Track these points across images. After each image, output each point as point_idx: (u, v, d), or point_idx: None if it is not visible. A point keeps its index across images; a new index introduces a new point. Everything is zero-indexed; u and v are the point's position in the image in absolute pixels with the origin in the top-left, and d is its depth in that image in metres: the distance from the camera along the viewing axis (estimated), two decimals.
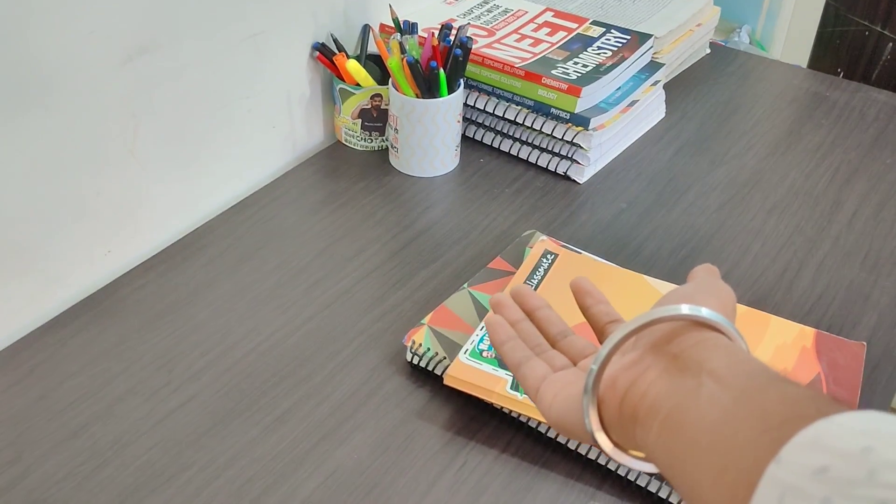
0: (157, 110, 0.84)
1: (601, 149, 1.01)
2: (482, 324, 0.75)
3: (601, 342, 0.53)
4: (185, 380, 0.74)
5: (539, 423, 0.69)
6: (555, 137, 1.00)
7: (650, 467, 0.43)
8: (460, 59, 0.95)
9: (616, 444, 0.44)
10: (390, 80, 0.97)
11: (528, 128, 1.01)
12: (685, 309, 0.42)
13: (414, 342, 0.75)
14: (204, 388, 0.73)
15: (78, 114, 0.77)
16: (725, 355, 0.40)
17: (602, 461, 0.68)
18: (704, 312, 0.42)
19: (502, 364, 0.71)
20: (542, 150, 1.01)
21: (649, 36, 1.08)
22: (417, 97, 0.95)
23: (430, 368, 0.74)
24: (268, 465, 0.67)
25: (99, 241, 0.84)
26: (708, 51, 1.28)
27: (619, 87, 1.03)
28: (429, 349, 0.74)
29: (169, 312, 0.81)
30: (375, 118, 1.02)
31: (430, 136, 0.97)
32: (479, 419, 0.71)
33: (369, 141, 1.04)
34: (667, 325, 0.43)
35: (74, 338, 0.78)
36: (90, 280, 0.84)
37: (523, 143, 1.03)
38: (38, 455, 0.68)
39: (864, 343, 0.76)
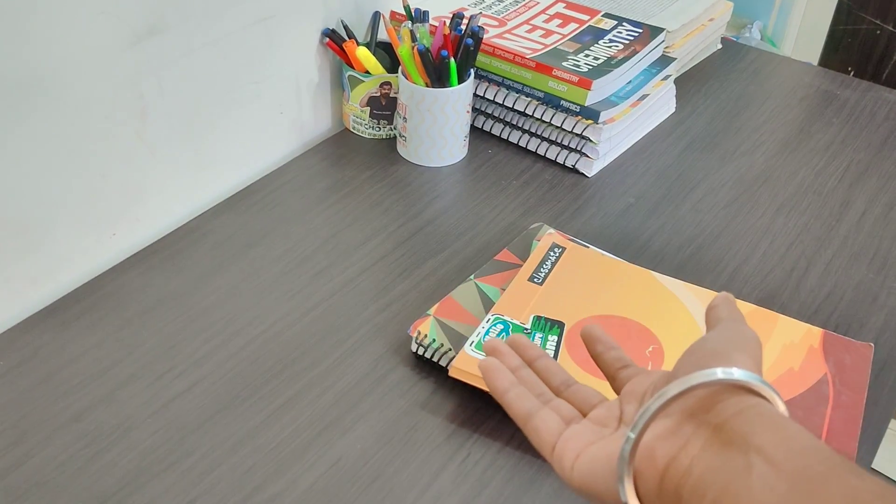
0: (166, 93, 0.83)
1: (610, 142, 1.00)
2: (488, 315, 0.74)
3: (614, 388, 0.50)
4: (189, 366, 0.74)
5: None
6: (564, 130, 0.99)
7: None
8: (471, 48, 0.94)
9: None
10: (400, 68, 0.96)
11: (537, 119, 1.01)
12: (721, 373, 0.40)
13: (419, 333, 0.74)
14: (208, 375, 0.73)
15: (86, 95, 0.76)
16: (772, 428, 0.38)
17: None
18: (740, 375, 0.40)
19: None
20: (551, 142, 1.01)
21: (661, 30, 1.07)
22: (427, 86, 0.95)
23: (434, 359, 0.73)
24: (271, 453, 0.67)
25: (105, 224, 0.83)
26: (719, 46, 1.27)
27: (630, 81, 1.03)
28: (434, 340, 0.74)
29: (173, 297, 0.80)
30: (384, 106, 1.01)
31: (439, 125, 0.96)
32: (483, 411, 0.71)
33: (377, 129, 1.03)
34: (702, 389, 0.41)
35: (78, 321, 0.78)
36: (95, 263, 0.83)
37: (532, 134, 1.02)
38: (41, 438, 0.67)
39: (872, 344, 0.76)
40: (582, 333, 0.54)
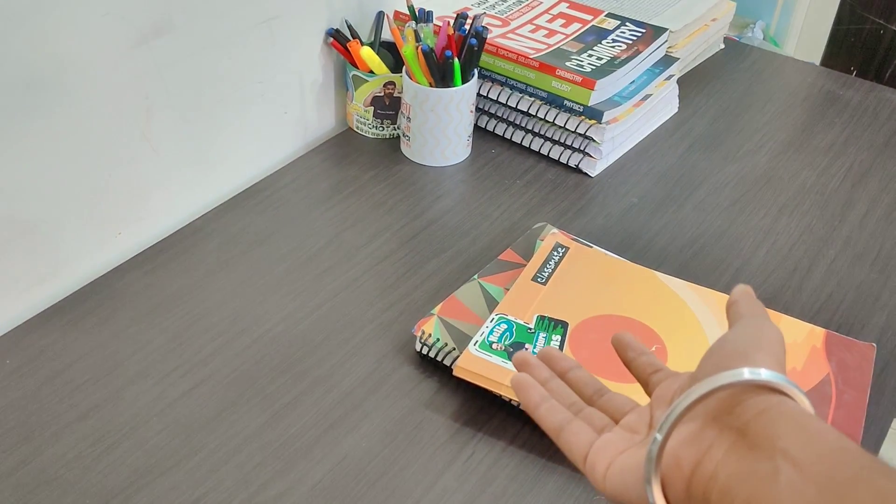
0: (171, 93, 0.83)
1: (614, 142, 1.01)
2: (492, 315, 0.75)
3: (647, 393, 0.50)
4: (195, 364, 0.74)
5: None
6: (567, 130, 0.99)
7: None
8: (475, 48, 0.95)
9: None
10: (404, 68, 0.96)
11: (540, 119, 1.01)
12: (747, 374, 0.40)
13: (423, 332, 0.75)
14: (213, 373, 0.74)
15: (91, 95, 0.76)
16: (797, 428, 0.38)
17: None
18: (766, 375, 0.39)
19: (511, 357, 0.71)
20: (555, 142, 1.01)
21: (664, 30, 1.07)
22: (431, 86, 0.95)
23: (439, 359, 0.74)
24: (276, 451, 0.68)
25: (110, 224, 0.84)
26: (722, 46, 1.27)
27: (633, 81, 1.03)
28: (438, 339, 0.74)
29: (179, 296, 0.81)
30: (388, 106, 1.01)
31: (443, 125, 0.96)
32: (487, 410, 0.72)
33: (381, 129, 1.03)
34: (724, 391, 0.41)
35: (84, 320, 0.78)
36: (101, 262, 0.84)
37: (536, 134, 1.02)
38: (48, 436, 0.68)
39: (874, 344, 0.76)
40: (613, 341, 0.53)
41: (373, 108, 1.01)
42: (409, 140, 1.00)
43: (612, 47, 1.04)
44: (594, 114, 0.97)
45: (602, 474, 0.44)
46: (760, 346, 0.42)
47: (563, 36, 1.05)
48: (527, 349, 0.72)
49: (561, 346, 0.73)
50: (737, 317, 0.47)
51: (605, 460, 0.45)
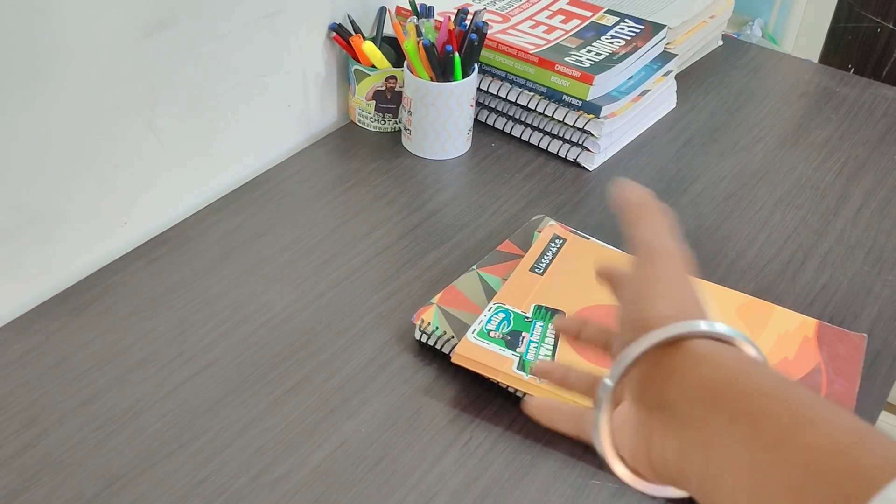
0: (176, 85, 0.85)
1: (611, 137, 1.02)
2: (490, 304, 0.76)
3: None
4: (198, 351, 0.76)
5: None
6: (566, 124, 1.01)
7: (675, 493, 0.41)
8: (475, 43, 0.96)
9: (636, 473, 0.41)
10: (405, 62, 0.98)
11: (539, 114, 1.02)
12: (704, 325, 0.38)
13: (423, 321, 0.76)
14: (216, 360, 0.75)
15: (98, 87, 0.78)
16: (703, 387, 0.36)
17: None
18: (731, 332, 0.38)
19: (509, 344, 0.72)
20: (553, 136, 1.03)
21: (663, 26, 1.08)
22: (432, 80, 0.97)
23: (437, 347, 0.75)
24: (278, 435, 0.69)
25: (116, 213, 0.85)
26: (720, 43, 1.29)
27: (632, 77, 1.04)
28: (437, 328, 0.75)
29: (183, 285, 0.82)
30: (389, 100, 1.03)
31: (444, 119, 0.98)
32: (484, 397, 0.73)
33: (382, 122, 1.05)
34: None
35: (90, 307, 0.80)
36: (106, 251, 0.85)
37: (535, 128, 1.04)
38: (54, 420, 0.69)
39: (865, 335, 0.78)
40: (558, 330, 0.54)
41: (374, 101, 1.03)
42: (410, 133, 1.01)
43: (611, 43, 1.05)
44: (592, 108, 0.98)
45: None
46: (681, 290, 0.42)
47: (563, 32, 1.07)
48: (524, 338, 0.73)
49: (557, 336, 0.74)
50: (640, 245, 0.45)
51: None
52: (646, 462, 0.40)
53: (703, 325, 0.38)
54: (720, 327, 0.39)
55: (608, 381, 0.40)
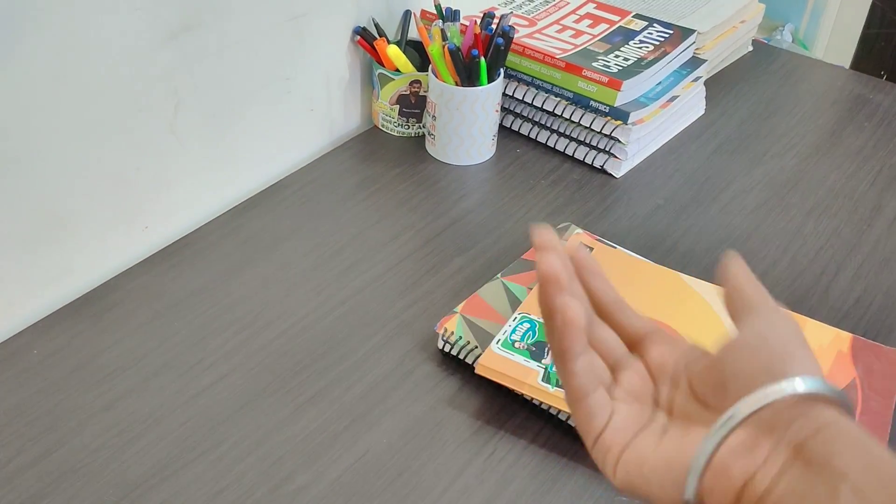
0: (199, 89, 0.84)
1: (639, 143, 1.00)
2: (515, 314, 0.75)
3: (621, 336, 0.46)
4: (219, 357, 0.75)
5: (569, 415, 0.69)
6: (593, 130, 0.99)
7: None
8: (501, 48, 0.95)
9: None
10: (430, 66, 0.97)
11: (566, 120, 1.01)
12: (801, 386, 0.37)
13: (446, 330, 0.75)
14: (237, 367, 0.74)
15: (121, 89, 0.77)
16: (857, 451, 0.36)
17: None
18: (824, 388, 0.38)
19: (534, 355, 0.71)
20: (580, 142, 1.01)
21: (692, 31, 1.07)
22: (457, 85, 0.95)
23: (461, 357, 0.74)
24: (298, 445, 0.68)
25: (137, 217, 0.85)
26: (750, 48, 1.26)
27: (660, 82, 1.02)
28: (461, 338, 0.74)
29: (204, 290, 0.81)
30: (413, 104, 1.02)
31: (468, 124, 0.96)
32: (508, 409, 0.71)
33: (406, 127, 1.04)
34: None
35: (110, 312, 0.79)
36: (127, 255, 0.85)
37: (561, 134, 1.02)
38: (74, 425, 0.69)
39: None
40: (573, 258, 0.47)
41: (398, 106, 1.02)
42: (434, 139, 1.00)
43: (640, 48, 1.03)
44: (620, 115, 0.97)
45: (615, 458, 0.41)
46: (798, 343, 0.40)
47: (590, 36, 1.05)
48: (549, 349, 0.71)
49: None
50: (748, 306, 0.42)
51: (620, 441, 0.41)
52: (736, 485, 0.38)
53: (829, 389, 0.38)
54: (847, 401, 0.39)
55: (704, 453, 0.38)
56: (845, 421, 0.38)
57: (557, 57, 0.99)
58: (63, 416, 0.69)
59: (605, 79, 0.96)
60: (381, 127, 1.05)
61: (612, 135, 0.98)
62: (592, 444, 0.42)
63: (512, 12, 1.09)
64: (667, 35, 1.06)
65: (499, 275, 0.81)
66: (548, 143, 1.03)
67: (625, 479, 0.41)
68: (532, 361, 0.70)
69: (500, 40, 0.94)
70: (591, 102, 0.98)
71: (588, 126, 0.99)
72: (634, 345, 0.46)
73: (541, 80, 1.01)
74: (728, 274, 0.44)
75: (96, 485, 0.65)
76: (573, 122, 1.00)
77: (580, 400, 0.42)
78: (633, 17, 1.10)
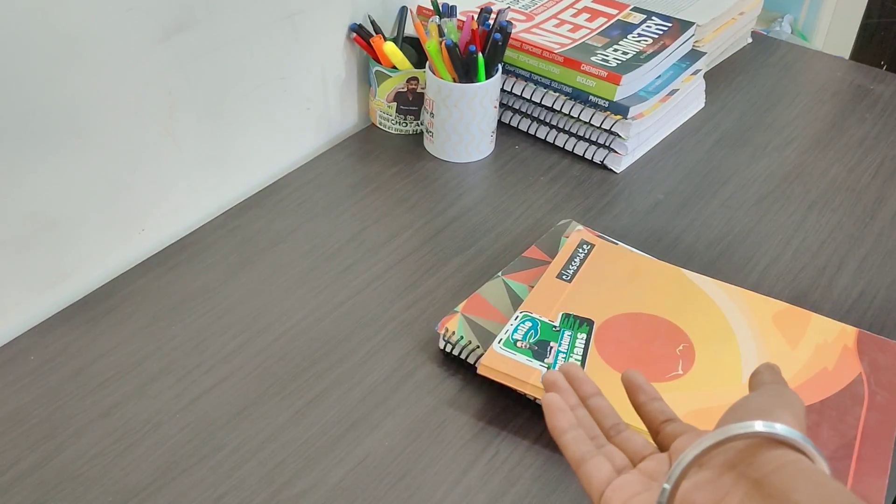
0: (193, 89, 0.83)
1: (639, 138, 0.99)
2: (516, 313, 0.74)
3: (656, 441, 0.50)
4: (218, 361, 0.74)
5: None
6: (592, 125, 0.98)
7: None
8: (499, 43, 0.94)
9: None
10: (427, 63, 0.96)
11: (565, 115, 1.00)
12: (760, 426, 0.40)
13: (447, 330, 0.74)
14: (236, 370, 0.73)
15: (115, 90, 0.76)
16: (812, 486, 0.38)
17: None
18: (781, 430, 0.40)
19: (536, 355, 0.70)
20: (579, 138, 1.00)
21: (691, 24, 1.06)
22: (454, 81, 0.94)
23: (462, 357, 0.73)
24: (299, 449, 0.67)
25: (133, 220, 0.84)
26: (750, 40, 1.26)
27: (660, 76, 1.01)
28: (462, 337, 0.73)
29: (201, 293, 0.81)
30: (411, 102, 1.01)
31: (466, 121, 0.96)
32: (511, 409, 0.71)
33: (404, 125, 1.03)
34: (741, 441, 0.41)
35: (107, 316, 0.78)
36: (124, 259, 0.84)
37: (560, 130, 1.01)
38: (71, 432, 0.68)
39: None
40: (623, 379, 0.53)
41: (396, 103, 1.01)
42: (432, 136, 0.99)
43: (638, 42, 1.02)
44: (619, 109, 0.96)
45: None
46: (781, 405, 0.43)
47: (589, 30, 1.04)
48: (552, 348, 0.71)
49: (586, 345, 0.72)
50: (759, 384, 0.47)
51: (619, 500, 0.45)
52: None
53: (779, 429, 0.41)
54: (814, 451, 0.41)
55: (667, 486, 0.42)
56: (806, 462, 0.40)
57: (556, 52, 0.98)
58: (61, 423, 0.69)
59: (603, 73, 0.95)
60: (378, 125, 1.04)
61: (612, 130, 0.97)
62: (597, 501, 0.46)
63: (509, 7, 1.08)
64: (665, 28, 1.05)
65: (500, 273, 0.80)
66: (547, 139, 1.02)
67: None
68: (534, 361, 0.70)
69: (498, 36, 0.93)
70: (590, 97, 0.97)
71: (587, 121, 0.98)
72: (664, 443, 0.50)
73: (539, 75, 1.00)
74: (758, 367, 0.49)
75: (95, 492, 0.64)
76: (572, 117, 0.99)
77: (578, 466, 0.48)
78: (631, 10, 1.09)
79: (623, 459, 0.48)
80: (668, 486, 0.41)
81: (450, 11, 0.99)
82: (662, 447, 0.49)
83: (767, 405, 0.43)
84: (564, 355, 0.70)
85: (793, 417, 0.42)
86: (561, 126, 1.01)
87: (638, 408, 0.52)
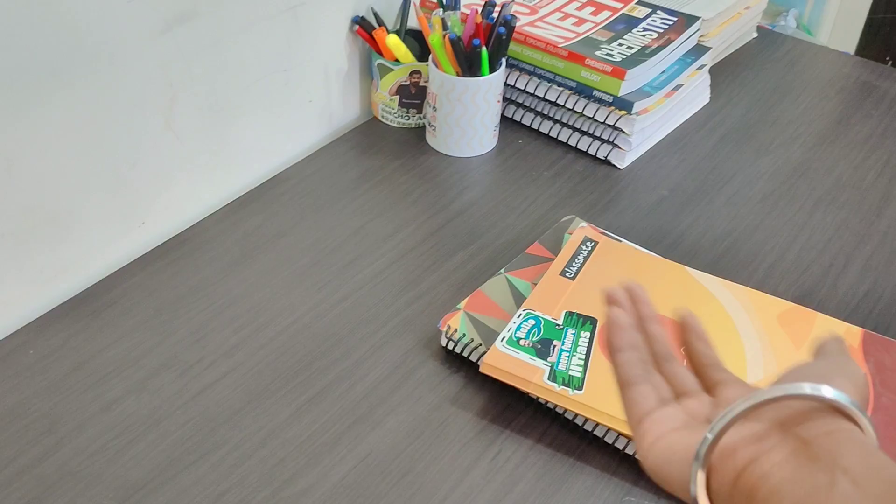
0: (195, 81, 0.82)
1: (643, 134, 0.99)
2: (519, 310, 0.73)
3: (700, 378, 0.50)
4: (220, 356, 0.74)
5: (576, 414, 0.68)
6: (596, 121, 0.97)
7: None
8: (503, 37, 0.93)
9: None
10: (430, 56, 0.95)
11: (569, 110, 0.99)
12: (808, 388, 0.40)
13: (449, 327, 0.74)
14: (237, 366, 0.73)
15: (116, 83, 0.76)
16: (862, 453, 0.38)
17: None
18: (837, 396, 0.39)
19: (539, 353, 0.70)
20: (583, 133, 0.99)
21: (696, 18, 1.05)
22: (458, 75, 0.94)
23: (465, 355, 0.73)
24: (300, 446, 0.67)
25: (134, 213, 0.83)
26: (755, 35, 1.25)
27: (664, 71, 1.01)
28: (464, 335, 0.73)
29: (203, 287, 0.80)
30: (413, 95, 1.00)
31: (470, 115, 0.95)
32: (514, 407, 0.70)
33: (406, 118, 1.02)
34: (797, 403, 0.41)
35: (108, 310, 0.78)
36: (124, 252, 0.83)
37: (564, 125, 1.01)
38: (72, 427, 0.68)
39: None
40: (679, 316, 0.52)
41: (398, 97, 1.00)
42: (434, 130, 0.98)
43: (643, 36, 1.01)
44: (624, 104, 0.95)
45: (650, 443, 0.44)
46: (845, 375, 0.42)
47: (593, 24, 1.03)
48: (555, 346, 0.70)
49: (590, 343, 0.71)
50: (824, 353, 0.46)
51: (657, 432, 0.44)
52: (738, 465, 0.40)
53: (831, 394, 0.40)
54: (865, 420, 0.40)
55: (709, 436, 0.41)
56: (858, 432, 0.39)
57: (560, 46, 0.98)
58: (61, 418, 0.68)
59: (608, 68, 0.95)
60: (380, 118, 1.04)
61: (616, 125, 0.96)
62: (635, 427, 0.46)
63: (513, 0, 1.07)
64: (671, 22, 1.04)
65: (502, 270, 0.80)
66: (550, 134, 1.02)
67: (653, 461, 0.44)
68: (537, 359, 0.69)
69: (502, 29, 0.92)
70: (595, 92, 0.96)
71: (591, 116, 0.97)
72: (712, 388, 0.49)
73: (543, 69, 0.99)
74: (825, 338, 0.48)
75: (96, 488, 0.64)
76: (576, 112, 0.98)
77: (624, 388, 0.47)
78: (636, 3, 1.08)
79: (668, 392, 0.48)
80: (710, 436, 0.40)
81: (453, 4, 0.98)
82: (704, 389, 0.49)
83: (828, 373, 0.42)
84: (568, 354, 0.70)
85: (853, 387, 0.41)
86: (565, 121, 1.00)
87: (685, 345, 0.51)
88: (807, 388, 0.39)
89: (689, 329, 0.51)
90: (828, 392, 0.39)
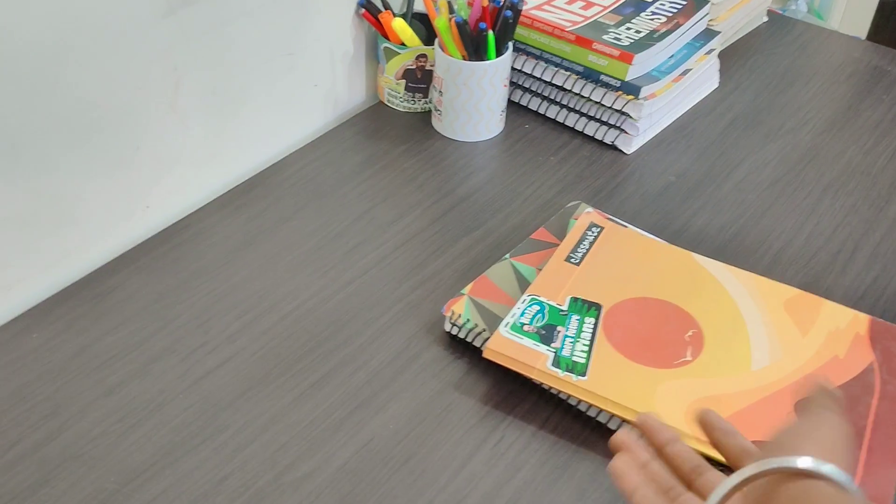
0: (199, 64, 0.82)
1: (651, 119, 0.98)
2: (524, 296, 0.73)
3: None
4: (222, 341, 0.73)
5: (579, 401, 0.67)
6: (603, 105, 0.96)
7: None
8: (510, 20, 0.92)
9: None
10: (437, 40, 0.94)
11: (576, 94, 0.98)
12: (802, 463, 0.40)
13: (453, 312, 0.73)
14: (240, 350, 0.73)
15: (120, 66, 0.75)
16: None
17: None
18: (801, 463, 0.40)
19: (543, 339, 0.69)
20: (590, 118, 0.99)
21: (706, 2, 1.04)
22: (464, 59, 0.93)
23: (468, 340, 0.72)
24: (303, 431, 0.67)
25: (137, 196, 0.83)
26: (765, 19, 1.23)
27: (673, 55, 1.00)
28: (468, 320, 0.72)
29: (206, 271, 0.80)
30: (420, 79, 0.99)
31: (476, 99, 0.94)
32: (517, 394, 0.70)
33: (412, 102, 1.01)
34: (767, 478, 0.42)
35: (112, 294, 0.77)
36: (128, 236, 0.83)
37: (570, 110, 1.00)
38: (75, 411, 0.68)
39: None
40: (698, 419, 0.52)
41: (404, 81, 0.99)
42: (440, 114, 0.97)
43: (652, 20, 1.00)
44: (631, 89, 0.94)
45: None
46: (811, 438, 0.43)
47: (601, 8, 1.02)
48: (559, 332, 0.70)
49: (594, 330, 0.71)
50: (803, 410, 0.46)
51: None
52: None
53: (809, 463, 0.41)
54: (842, 478, 0.40)
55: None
56: (821, 487, 0.40)
57: (567, 30, 0.97)
58: (64, 402, 0.68)
59: (615, 52, 0.94)
60: (386, 102, 1.03)
61: (623, 110, 0.95)
62: None
63: None
64: (680, 6, 1.03)
65: (507, 255, 0.79)
66: (557, 119, 1.01)
67: None
68: (541, 345, 0.69)
69: (509, 13, 0.91)
70: (602, 76, 0.95)
71: (598, 101, 0.96)
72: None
73: (550, 53, 0.99)
74: (812, 388, 0.48)
75: (98, 471, 0.63)
76: (583, 96, 0.98)
77: None
78: None
79: None
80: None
81: None
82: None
83: (797, 440, 0.43)
84: (572, 340, 0.69)
85: (821, 448, 0.42)
86: (572, 106, 0.99)
87: (716, 444, 0.51)
88: (801, 461, 0.40)
89: (712, 427, 0.51)
90: (801, 462, 0.40)
